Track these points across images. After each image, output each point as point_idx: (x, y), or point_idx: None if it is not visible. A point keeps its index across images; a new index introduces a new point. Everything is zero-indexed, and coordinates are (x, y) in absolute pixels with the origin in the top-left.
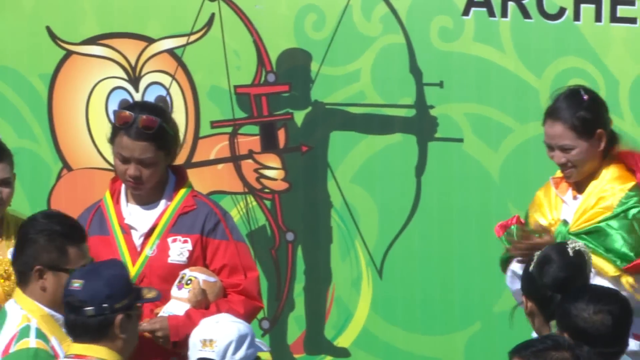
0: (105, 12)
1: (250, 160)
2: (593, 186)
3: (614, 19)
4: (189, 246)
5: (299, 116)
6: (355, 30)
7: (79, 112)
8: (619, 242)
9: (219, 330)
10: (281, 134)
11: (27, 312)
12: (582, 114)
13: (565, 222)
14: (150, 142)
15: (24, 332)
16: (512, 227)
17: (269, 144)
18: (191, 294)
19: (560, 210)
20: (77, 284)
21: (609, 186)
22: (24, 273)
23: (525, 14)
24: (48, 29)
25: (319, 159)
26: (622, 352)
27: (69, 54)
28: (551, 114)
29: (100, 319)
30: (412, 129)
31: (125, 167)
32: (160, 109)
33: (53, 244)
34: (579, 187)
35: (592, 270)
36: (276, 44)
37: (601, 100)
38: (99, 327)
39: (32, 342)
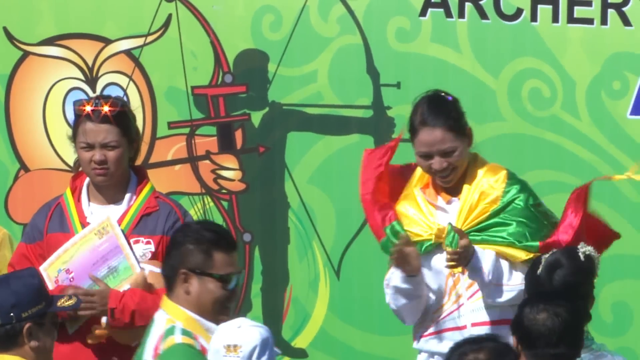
0: (62, 13)
1: (207, 161)
2: (468, 185)
3: (571, 19)
4: (151, 247)
5: (256, 117)
6: (312, 31)
7: (36, 113)
8: (522, 229)
9: (243, 335)
10: (238, 135)
11: (171, 316)
12: (454, 114)
13: (450, 224)
14: (113, 125)
15: (169, 332)
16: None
17: (226, 144)
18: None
19: (436, 216)
20: None
21: (485, 180)
22: (170, 278)
23: (483, 15)
24: (5, 29)
25: (276, 159)
26: (570, 356)
27: (25, 54)
28: (425, 122)
29: (7, 328)
30: (369, 129)
31: (90, 153)
32: (120, 98)
33: (199, 248)
34: (448, 190)
35: (504, 261)
36: (233, 45)
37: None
38: (7, 337)
39: (177, 338)
